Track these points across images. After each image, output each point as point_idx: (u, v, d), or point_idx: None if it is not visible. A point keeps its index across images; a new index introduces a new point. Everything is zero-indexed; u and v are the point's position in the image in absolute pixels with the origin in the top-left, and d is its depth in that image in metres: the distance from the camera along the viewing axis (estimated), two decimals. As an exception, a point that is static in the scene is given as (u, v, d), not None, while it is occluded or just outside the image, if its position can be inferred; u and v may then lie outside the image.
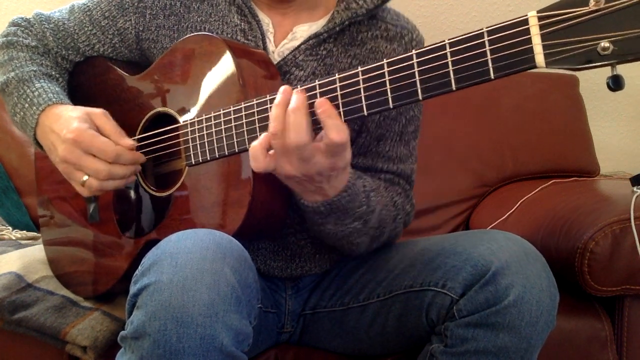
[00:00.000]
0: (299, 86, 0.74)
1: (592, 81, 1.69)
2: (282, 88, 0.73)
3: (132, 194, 0.95)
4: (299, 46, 0.92)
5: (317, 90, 0.72)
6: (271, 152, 0.74)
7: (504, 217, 1.34)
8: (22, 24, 1.01)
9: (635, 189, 1.10)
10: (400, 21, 0.98)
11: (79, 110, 0.88)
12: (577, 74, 1.58)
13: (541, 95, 1.56)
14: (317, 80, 0.72)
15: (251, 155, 0.74)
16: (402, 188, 0.96)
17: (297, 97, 0.71)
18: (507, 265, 0.76)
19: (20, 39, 0.99)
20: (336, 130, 0.70)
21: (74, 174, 0.86)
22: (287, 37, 0.94)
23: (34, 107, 0.90)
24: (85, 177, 0.84)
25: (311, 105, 0.71)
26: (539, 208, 1.27)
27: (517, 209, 1.33)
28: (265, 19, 0.95)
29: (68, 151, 0.84)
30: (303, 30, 0.94)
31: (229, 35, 0.93)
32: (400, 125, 0.96)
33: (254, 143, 0.74)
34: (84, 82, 1.03)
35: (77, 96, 1.00)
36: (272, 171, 0.75)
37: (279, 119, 0.71)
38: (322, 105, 0.71)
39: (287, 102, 0.72)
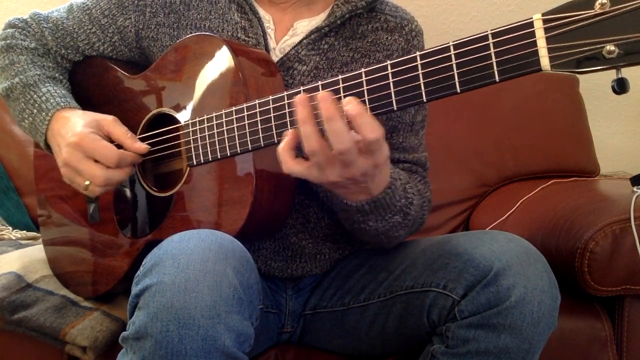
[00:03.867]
0: (302, 87, 0.73)
1: (592, 81, 1.69)
2: (298, 101, 0.69)
3: (133, 194, 0.95)
4: (300, 41, 0.92)
5: (320, 91, 0.71)
6: (300, 157, 0.72)
7: (504, 217, 1.34)
8: (19, 25, 1.01)
9: (635, 189, 1.10)
10: (399, 12, 0.99)
11: (88, 116, 0.88)
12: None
13: (541, 95, 1.56)
14: (319, 81, 0.71)
15: (279, 158, 0.72)
16: (420, 175, 0.97)
17: (325, 107, 0.67)
18: (509, 266, 0.76)
19: (19, 41, 0.98)
20: (370, 127, 0.67)
21: (75, 178, 0.87)
22: (288, 33, 0.94)
23: (44, 113, 0.90)
24: (87, 182, 0.85)
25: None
26: (539, 208, 1.27)
27: (517, 209, 1.33)
28: (266, 16, 0.95)
29: (70, 154, 0.85)
30: (303, 26, 0.94)
31: (229, 33, 0.92)
32: (410, 115, 0.96)
33: (280, 145, 0.71)
34: (83, 82, 1.03)
35: (76, 95, 1.00)
36: (301, 177, 0.73)
37: (311, 137, 0.68)
38: (350, 102, 0.67)
39: (312, 115, 0.69)
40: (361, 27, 0.95)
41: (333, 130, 0.67)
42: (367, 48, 0.94)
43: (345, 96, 0.70)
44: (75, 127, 0.86)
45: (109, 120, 0.88)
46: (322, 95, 0.68)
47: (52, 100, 0.91)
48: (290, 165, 0.71)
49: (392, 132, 0.96)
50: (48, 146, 0.92)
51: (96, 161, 0.84)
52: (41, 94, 0.92)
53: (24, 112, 0.93)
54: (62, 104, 0.91)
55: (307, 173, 0.72)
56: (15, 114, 0.96)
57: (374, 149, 0.69)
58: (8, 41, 0.98)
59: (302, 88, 0.73)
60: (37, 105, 0.91)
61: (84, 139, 0.84)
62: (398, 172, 0.87)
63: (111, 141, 0.88)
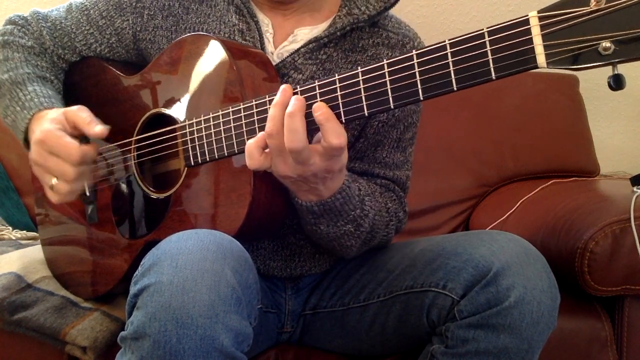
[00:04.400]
0: (298, 87, 0.73)
1: (592, 81, 1.69)
2: (282, 87, 0.73)
3: (131, 194, 0.95)
4: (298, 49, 0.91)
5: (317, 91, 0.72)
6: (267, 150, 0.74)
7: (504, 217, 1.34)
8: (19, 22, 1.01)
9: (635, 189, 1.10)
10: (402, 29, 0.97)
11: (57, 112, 0.87)
12: (577, 74, 1.58)
13: (541, 95, 1.56)
14: (316, 81, 0.72)
15: (247, 153, 0.74)
16: (396, 195, 0.97)
17: (294, 102, 0.71)
18: (508, 266, 0.76)
19: (17, 38, 0.99)
20: (335, 134, 0.70)
21: (43, 176, 0.85)
22: (288, 39, 0.94)
23: (25, 111, 0.90)
24: (54, 181, 0.83)
25: (310, 107, 0.71)
26: (539, 208, 1.27)
27: (517, 209, 1.33)
28: (265, 20, 0.94)
29: (37, 153, 0.83)
30: (304, 33, 0.94)
31: (226, 35, 0.92)
32: (398, 132, 0.95)
33: (250, 141, 0.74)
34: (79, 82, 1.03)
35: (72, 96, 1.00)
36: (267, 169, 0.75)
37: (276, 119, 0.71)
38: (320, 108, 0.70)
39: (286, 103, 0.71)
40: (362, 40, 0.94)
41: (290, 127, 0.70)
42: (366, 62, 0.93)
43: (343, 95, 0.70)
44: (42, 124, 0.84)
45: (72, 110, 0.85)
46: (296, 96, 0.72)
47: (35, 100, 0.90)
48: (256, 160, 0.74)
49: (377, 146, 0.95)
50: (28, 145, 0.92)
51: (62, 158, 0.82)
52: (27, 92, 0.92)
53: (8, 109, 0.93)
54: (45, 103, 0.90)
55: (264, 162, 0.74)
56: (1, 110, 0.95)
57: (335, 154, 0.72)
58: (6, 37, 0.98)
59: (299, 88, 0.73)
60: (20, 103, 0.91)
61: (47, 136, 0.82)
62: (360, 183, 0.87)
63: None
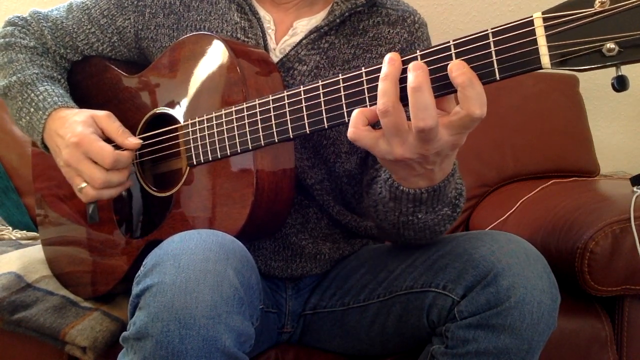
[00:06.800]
0: (302, 86, 0.73)
1: (592, 81, 1.70)
2: (389, 57, 0.63)
3: (133, 194, 0.95)
4: (300, 41, 0.91)
5: (321, 91, 0.71)
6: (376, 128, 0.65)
7: (504, 217, 1.34)
8: (19, 23, 1.01)
9: (635, 189, 1.10)
10: (401, 5, 0.97)
11: (84, 114, 0.88)
12: (577, 74, 1.58)
13: (541, 95, 1.56)
14: (320, 81, 0.71)
15: (351, 121, 0.64)
16: None
17: (415, 75, 0.60)
18: (508, 266, 0.76)
19: (19, 39, 0.98)
20: (479, 102, 0.59)
21: (73, 179, 0.87)
22: (288, 33, 0.94)
23: (40, 112, 0.90)
24: (83, 185, 0.85)
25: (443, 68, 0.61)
26: (539, 208, 1.27)
27: (517, 209, 1.33)
28: (266, 17, 0.95)
29: (70, 155, 0.85)
30: (303, 25, 0.94)
31: (228, 34, 0.92)
32: None
33: (358, 109, 0.64)
34: (81, 82, 1.03)
35: (74, 95, 1.00)
36: (369, 148, 0.65)
37: (390, 94, 0.61)
38: (460, 68, 0.59)
39: (396, 74, 0.62)
40: (362, 22, 0.94)
41: (418, 103, 0.59)
42: (368, 43, 0.93)
43: (346, 95, 0.69)
44: (74, 127, 0.86)
45: (102, 116, 0.87)
46: (416, 63, 0.61)
47: (49, 100, 0.91)
48: (359, 129, 0.64)
49: None
50: (45, 146, 0.92)
51: (94, 162, 0.84)
52: (38, 92, 0.92)
53: (21, 110, 0.93)
54: (59, 103, 0.91)
55: (373, 143, 0.64)
56: (12, 113, 0.96)
57: (469, 127, 0.62)
58: (7, 39, 0.98)
59: (302, 88, 0.73)
60: (34, 104, 0.91)
61: (83, 139, 0.84)
62: None
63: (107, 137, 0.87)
